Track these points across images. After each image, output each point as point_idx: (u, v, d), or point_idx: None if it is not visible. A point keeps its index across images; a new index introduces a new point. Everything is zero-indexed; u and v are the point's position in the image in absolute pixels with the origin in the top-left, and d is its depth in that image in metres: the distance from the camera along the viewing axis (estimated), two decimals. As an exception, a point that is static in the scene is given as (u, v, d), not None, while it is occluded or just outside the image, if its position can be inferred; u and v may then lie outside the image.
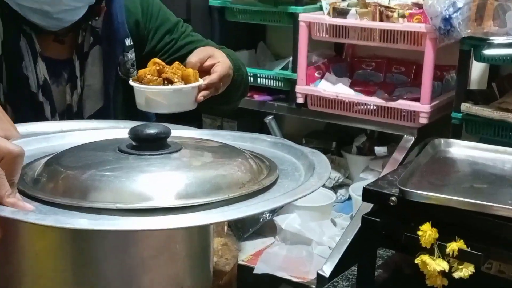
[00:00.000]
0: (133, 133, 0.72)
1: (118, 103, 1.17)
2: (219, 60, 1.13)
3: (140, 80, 1.07)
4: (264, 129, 2.49)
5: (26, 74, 1.09)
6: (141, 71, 1.08)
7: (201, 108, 1.15)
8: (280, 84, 2.18)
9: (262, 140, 0.90)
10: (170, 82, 1.06)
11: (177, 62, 1.10)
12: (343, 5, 1.99)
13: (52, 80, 1.12)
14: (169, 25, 1.24)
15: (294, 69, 2.11)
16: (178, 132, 0.87)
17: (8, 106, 1.09)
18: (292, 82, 2.12)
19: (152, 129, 0.72)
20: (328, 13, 2.00)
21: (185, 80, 1.07)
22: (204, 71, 1.12)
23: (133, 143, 0.73)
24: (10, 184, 0.58)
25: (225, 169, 0.73)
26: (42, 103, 1.10)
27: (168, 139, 0.75)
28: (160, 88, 1.05)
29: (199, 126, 2.54)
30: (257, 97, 2.25)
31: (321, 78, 2.13)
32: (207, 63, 1.13)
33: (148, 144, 0.72)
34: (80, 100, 1.14)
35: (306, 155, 0.82)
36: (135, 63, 1.20)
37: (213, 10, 2.27)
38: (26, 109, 1.09)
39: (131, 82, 1.08)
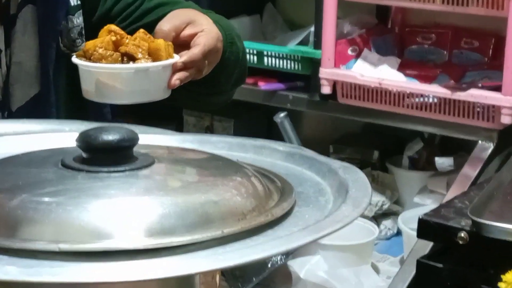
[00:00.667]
0: (84, 140, 0.73)
1: (61, 88, 1.17)
2: (202, 29, 1.13)
3: (88, 57, 1.06)
4: (273, 132, 2.50)
5: None
6: (90, 43, 1.07)
7: (179, 101, 1.16)
8: (296, 66, 2.19)
9: (271, 149, 0.91)
10: (132, 58, 1.06)
11: (142, 30, 1.09)
12: (389, -50, 2.00)
13: None
14: None
15: (317, 44, 2.11)
16: (149, 138, 0.88)
17: None
18: (315, 63, 2.12)
19: (111, 134, 0.73)
20: (367, -38, 2.01)
21: (154, 56, 1.06)
22: (181, 44, 1.11)
23: (84, 154, 0.73)
24: None
25: (217, 192, 0.73)
26: None
27: (135, 149, 0.75)
28: (117, 67, 1.04)
29: (179, 127, 2.55)
30: (263, 85, 2.26)
31: (357, 57, 2.13)
32: (186, 32, 1.12)
33: (106, 156, 0.73)
34: (6, 85, 1.14)
35: (335, 172, 0.83)
36: (83, 32, 1.21)
37: (198, -41, 2.29)
38: None
39: (74, 59, 1.07)
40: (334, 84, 2.10)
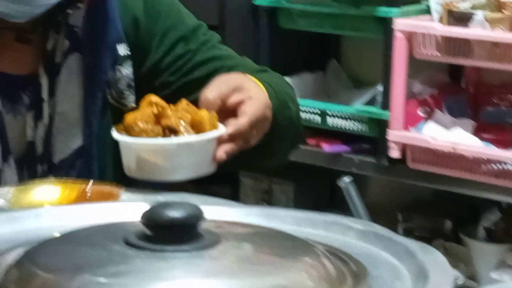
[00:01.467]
0: (148, 217, 0.74)
1: (105, 142, 1.17)
2: (250, 95, 1.11)
3: (128, 131, 1.05)
4: (336, 198, 2.49)
5: None
6: (130, 116, 1.06)
7: (229, 165, 1.14)
8: (363, 127, 2.19)
9: (343, 226, 0.90)
10: (174, 132, 1.05)
11: (185, 101, 1.08)
12: (464, 6, 2.01)
13: (6, 106, 1.14)
14: (184, 30, 1.25)
15: (385, 104, 2.12)
16: (212, 210, 0.89)
17: None
18: (382, 125, 2.12)
19: (176, 211, 0.73)
20: (441, 19, 2.02)
21: (197, 128, 1.05)
22: (228, 111, 1.11)
23: (147, 231, 0.74)
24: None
25: (287, 275, 0.73)
26: None
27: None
28: (157, 143, 1.04)
29: (235, 189, 2.56)
30: (326, 147, 2.26)
31: (428, 118, 2.13)
32: (232, 99, 1.11)
33: (170, 234, 0.73)
34: (48, 136, 1.15)
35: (412, 254, 0.82)
36: (132, 84, 1.21)
37: (259, 13, 2.31)
38: None
39: (114, 134, 1.06)
40: (404, 148, 2.09)
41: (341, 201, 2.41)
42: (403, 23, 2.05)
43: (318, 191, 2.51)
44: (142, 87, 1.21)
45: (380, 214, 2.26)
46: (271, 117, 1.15)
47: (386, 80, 2.10)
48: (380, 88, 2.18)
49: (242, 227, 0.84)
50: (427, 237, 2.19)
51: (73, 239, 0.77)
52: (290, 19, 2.29)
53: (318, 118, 2.26)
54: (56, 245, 0.76)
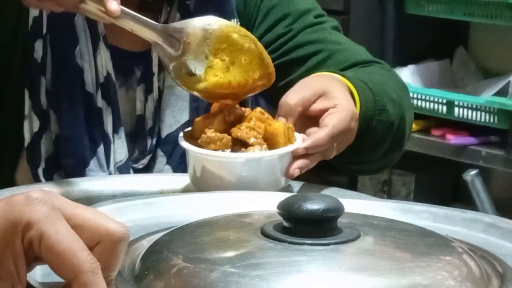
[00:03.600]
0: (286, 208, 0.73)
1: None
2: (335, 104, 1.03)
3: (196, 137, 0.99)
4: (460, 192, 2.45)
5: (81, 65, 1.12)
6: (199, 121, 1.01)
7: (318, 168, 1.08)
8: (492, 118, 2.14)
9: (484, 223, 0.87)
10: (244, 144, 0.98)
11: (259, 110, 1.02)
12: None
13: (119, 80, 1.15)
14: (290, 9, 1.22)
15: (518, 96, 2.07)
16: (345, 203, 0.87)
17: (51, 112, 1.12)
18: (513, 117, 2.08)
19: (315, 204, 0.72)
20: None
21: (270, 141, 0.98)
22: (309, 119, 1.04)
23: (285, 223, 0.74)
24: (106, 282, 0.60)
25: (428, 274, 0.71)
26: (101, 109, 1.12)
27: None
28: (224, 156, 0.98)
29: (353, 179, 2.54)
30: (452, 138, 2.22)
31: None
32: (316, 106, 1.04)
33: (309, 227, 0.72)
34: (157, 110, 1.16)
35: (562, 256, 0.78)
36: None
37: (386, 0, 2.29)
38: (77, 118, 1.12)
39: (181, 141, 1.01)
40: (537, 142, 2.03)
41: (465, 195, 2.37)
42: (540, 10, 1.99)
43: (440, 184, 2.47)
44: None
45: (508, 210, 2.20)
46: (356, 129, 1.06)
47: (520, 70, 2.05)
48: (511, 78, 2.12)
49: (380, 222, 0.82)
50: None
51: (210, 227, 0.77)
52: (417, 5, 2.26)
53: (444, 108, 2.23)
54: (193, 232, 0.75)
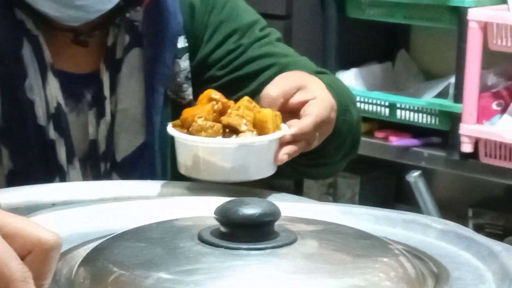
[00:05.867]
0: (223, 213, 0.73)
1: (166, 137, 1.16)
2: (314, 96, 1.06)
3: (186, 127, 1.01)
4: (403, 193, 2.47)
5: (31, 98, 1.11)
6: (188, 111, 1.02)
7: (283, 172, 1.10)
8: (433, 120, 2.16)
9: (422, 225, 0.88)
10: (235, 131, 1.00)
11: (247, 98, 1.04)
12: (542, -5, 1.96)
13: (69, 106, 1.14)
14: (238, 24, 1.23)
15: (458, 97, 2.09)
16: (286, 206, 0.87)
17: (3, 148, 1.11)
18: (454, 119, 2.10)
19: (252, 209, 0.72)
20: (517, 9, 1.98)
21: (259, 128, 1.01)
22: (289, 111, 1.06)
23: (222, 228, 0.73)
24: (38, 292, 0.60)
25: (364, 276, 0.71)
26: (54, 141, 1.12)
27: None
28: (217, 142, 0.99)
29: (299, 182, 2.55)
30: (395, 141, 2.24)
31: (503, 112, 2.10)
32: (296, 98, 1.06)
33: (246, 232, 0.72)
34: (111, 134, 1.15)
35: (496, 255, 0.79)
36: (190, 76, 1.20)
37: (327, 2, 2.30)
38: (30, 152, 1.11)
39: (170, 129, 1.02)
40: (477, 143, 2.05)
41: (408, 196, 2.40)
42: (478, 13, 2.02)
43: (384, 186, 2.49)
44: (193, 84, 1.20)
45: (450, 210, 2.23)
46: (335, 119, 1.10)
47: (459, 72, 2.07)
48: (452, 80, 2.15)
49: (317, 225, 0.82)
50: (499, 234, 2.15)
51: (147, 234, 0.77)
52: (359, 9, 2.28)
53: (386, 111, 2.24)
54: (129, 239, 0.75)
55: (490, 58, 2.09)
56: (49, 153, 1.12)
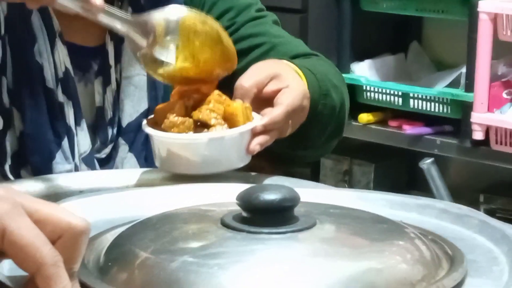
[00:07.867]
0: (244, 199, 0.73)
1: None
2: (287, 84, 1.06)
3: (159, 123, 1.01)
4: (417, 179, 2.46)
5: (40, 62, 1.12)
6: (160, 108, 1.03)
7: (267, 153, 1.10)
8: (445, 109, 2.16)
9: (437, 209, 0.88)
10: (205, 125, 1.00)
11: (217, 92, 1.03)
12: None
13: (77, 75, 1.15)
14: (233, 3, 1.23)
15: (469, 87, 2.08)
16: (304, 192, 0.87)
17: (13, 110, 1.12)
18: (466, 107, 2.09)
19: (272, 194, 0.72)
20: (527, 0, 1.96)
21: (230, 121, 1.00)
22: (263, 100, 1.05)
23: (243, 213, 0.74)
24: (69, 274, 0.60)
25: (381, 259, 0.71)
26: (63, 104, 1.12)
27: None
28: (187, 138, 0.99)
29: (315, 170, 2.55)
30: (408, 129, 2.23)
31: (513, 100, 2.09)
32: (269, 87, 1.06)
33: (267, 217, 0.72)
34: (116, 101, 1.16)
35: (509, 238, 0.79)
36: None
37: (342, -3, 2.30)
38: (40, 114, 1.12)
39: (144, 127, 1.03)
40: (487, 130, 2.04)
41: (421, 183, 2.38)
42: (488, 5, 2.00)
43: (398, 173, 2.48)
44: None
45: (462, 196, 2.22)
46: (308, 107, 1.09)
47: (470, 62, 2.06)
48: (463, 70, 2.14)
49: (335, 210, 0.82)
50: (510, 219, 2.14)
51: (171, 219, 0.77)
52: (372, 2, 2.27)
53: (399, 100, 2.24)
54: (155, 225, 0.75)
55: (500, 49, 2.08)
56: (58, 115, 1.12)
